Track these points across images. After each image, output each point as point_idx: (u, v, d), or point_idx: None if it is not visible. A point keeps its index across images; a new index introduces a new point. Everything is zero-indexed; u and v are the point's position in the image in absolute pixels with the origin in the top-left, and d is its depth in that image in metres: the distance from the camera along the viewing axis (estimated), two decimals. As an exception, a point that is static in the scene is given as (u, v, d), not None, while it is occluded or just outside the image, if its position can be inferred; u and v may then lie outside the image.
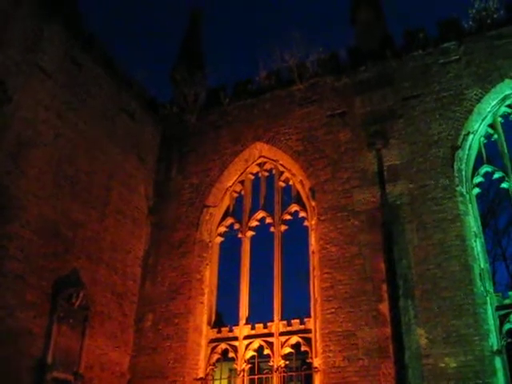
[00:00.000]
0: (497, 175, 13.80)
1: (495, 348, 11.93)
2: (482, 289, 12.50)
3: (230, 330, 14.84)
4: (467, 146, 14.00)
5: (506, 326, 12.27)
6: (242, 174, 16.55)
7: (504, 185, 13.70)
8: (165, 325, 14.85)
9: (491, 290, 12.71)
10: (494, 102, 14.24)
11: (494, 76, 14.22)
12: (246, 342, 14.52)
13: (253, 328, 14.63)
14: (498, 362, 11.83)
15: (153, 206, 16.60)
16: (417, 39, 15.20)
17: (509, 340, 12.19)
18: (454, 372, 11.70)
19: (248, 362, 14.45)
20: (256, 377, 14.54)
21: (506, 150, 13.92)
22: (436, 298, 12.51)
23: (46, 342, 12.17)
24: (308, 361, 13.81)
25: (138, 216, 16.12)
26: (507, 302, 12.51)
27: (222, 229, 16.29)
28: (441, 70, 14.81)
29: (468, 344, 11.81)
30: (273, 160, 16.19)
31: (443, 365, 11.83)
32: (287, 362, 14.12)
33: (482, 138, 14.23)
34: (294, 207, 15.50)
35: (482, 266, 12.90)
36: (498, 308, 12.45)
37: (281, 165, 16.01)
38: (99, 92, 15.35)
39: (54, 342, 12.32)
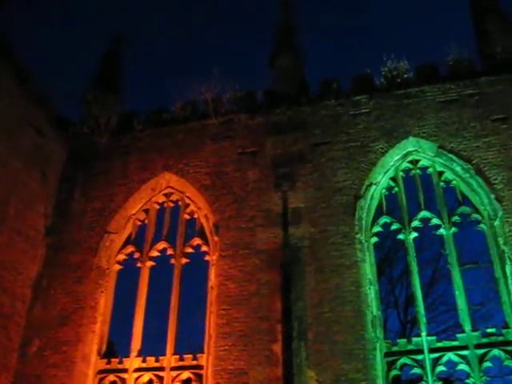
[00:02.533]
0: (394, 226, 14.40)
1: (381, 394, 12.30)
2: (372, 335, 12.86)
3: (120, 362, 14.32)
4: (369, 196, 14.56)
5: (393, 373, 12.69)
6: (147, 202, 16.28)
7: (400, 236, 14.31)
8: (52, 352, 14.14)
9: (381, 337, 13.11)
10: (398, 157, 14.98)
11: (399, 132, 15.00)
12: (136, 374, 14.06)
13: (144, 361, 14.19)
14: (383, 407, 12.19)
15: (51, 227, 15.95)
16: (331, 89, 15.84)
17: (394, 387, 12.62)
18: (340, 415, 11.92)
19: (136, 395, 14.05)
20: (143, 411, 14.15)
21: (404, 204, 14.58)
22: (328, 342, 12.74)
23: None
24: (198, 398, 13.60)
25: (35, 235, 15.43)
26: (395, 349, 12.94)
27: (122, 256, 15.84)
28: (351, 121, 15.43)
29: (356, 388, 12.09)
30: (180, 191, 16.09)
31: (331, 408, 12.03)
32: (177, 398, 13.84)
33: (384, 190, 14.85)
34: (197, 241, 15.39)
35: (375, 312, 13.30)
36: (387, 354, 12.86)
37: (187, 197, 15.93)
38: (7, 103, 14.76)
39: None
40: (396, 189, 14.83)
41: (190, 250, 15.40)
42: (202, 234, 15.44)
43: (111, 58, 19.49)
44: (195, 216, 15.75)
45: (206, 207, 15.38)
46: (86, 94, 18.10)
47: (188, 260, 15.38)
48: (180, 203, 16.08)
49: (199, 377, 13.64)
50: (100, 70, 18.97)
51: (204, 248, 15.25)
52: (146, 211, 16.27)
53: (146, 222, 16.18)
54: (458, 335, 12.96)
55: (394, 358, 12.83)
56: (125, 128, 17.13)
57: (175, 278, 15.10)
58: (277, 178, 15.05)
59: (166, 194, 16.32)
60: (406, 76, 15.68)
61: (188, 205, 15.90)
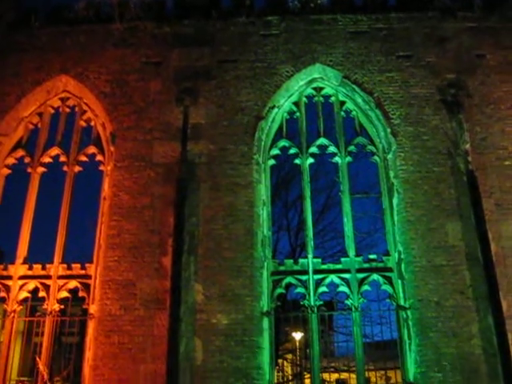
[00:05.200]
0: (292, 151, 14.54)
1: (265, 309, 12.71)
2: (261, 254, 13.18)
3: (5, 269, 13.82)
4: (270, 119, 14.58)
5: (278, 291, 13.13)
6: (41, 105, 15.39)
7: (297, 161, 14.49)
8: None
9: (269, 256, 13.47)
10: (302, 83, 14.99)
11: (307, 58, 14.93)
12: (21, 282, 13.67)
13: (30, 268, 13.78)
14: (266, 323, 12.65)
15: None
16: (243, 6, 15.41)
17: (278, 303, 13.07)
18: (224, 328, 12.25)
19: (21, 303, 13.67)
20: (27, 319, 13.88)
21: (304, 129, 14.71)
22: (217, 258, 12.93)
23: None
24: (84, 307, 13.45)
25: None
26: (282, 268, 13.36)
27: (11, 160, 15.01)
28: (260, 41, 15.17)
29: (241, 303, 12.41)
30: (77, 97, 15.33)
31: (215, 321, 12.32)
32: (62, 307, 13.58)
33: (286, 114, 14.89)
34: (92, 149, 14.87)
35: (265, 233, 13.59)
36: (274, 273, 13.27)
37: (85, 103, 15.23)
38: None
39: None
40: (298, 114, 14.90)
41: (84, 159, 14.87)
42: (97, 143, 14.92)
43: None
44: (92, 124, 15.16)
45: (103, 115, 14.81)
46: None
47: (81, 168, 14.87)
48: (76, 109, 15.37)
49: (87, 286, 13.50)
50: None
51: (99, 157, 14.79)
52: (40, 115, 15.45)
53: (39, 125, 15.38)
54: (342, 259, 13.54)
55: (280, 277, 13.26)
56: (21, 24, 15.80)
57: (67, 186, 14.60)
58: (179, 92, 14.69)
59: (62, 99, 15.51)
60: (319, 2, 15.53)
61: (85, 111, 15.24)
